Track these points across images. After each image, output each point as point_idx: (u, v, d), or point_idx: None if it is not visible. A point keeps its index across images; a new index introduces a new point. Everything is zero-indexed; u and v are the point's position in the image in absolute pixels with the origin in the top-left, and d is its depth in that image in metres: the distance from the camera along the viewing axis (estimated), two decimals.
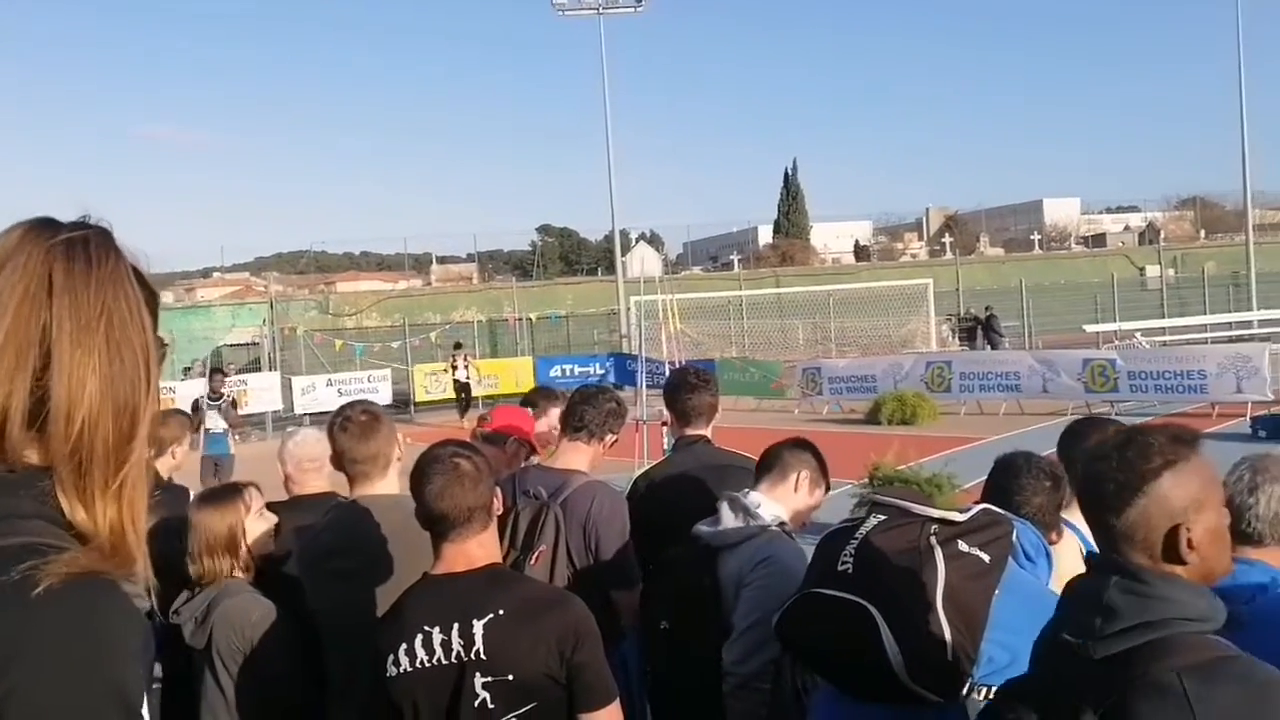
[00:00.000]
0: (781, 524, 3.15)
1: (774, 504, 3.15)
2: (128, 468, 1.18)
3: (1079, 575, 1.80)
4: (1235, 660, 1.61)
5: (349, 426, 3.27)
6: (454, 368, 25.28)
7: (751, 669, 2.93)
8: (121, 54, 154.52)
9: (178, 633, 3.23)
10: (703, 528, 3.20)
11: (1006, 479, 3.19)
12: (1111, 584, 1.67)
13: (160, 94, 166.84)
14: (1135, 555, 1.70)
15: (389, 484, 3.30)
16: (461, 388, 24.92)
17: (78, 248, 1.18)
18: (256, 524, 3.37)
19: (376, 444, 3.26)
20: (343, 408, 3.41)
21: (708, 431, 4.09)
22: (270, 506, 3.49)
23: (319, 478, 3.77)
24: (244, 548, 3.32)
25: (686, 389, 4.07)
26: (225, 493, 3.47)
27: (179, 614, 3.26)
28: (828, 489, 3.40)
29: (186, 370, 29.97)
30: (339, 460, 3.30)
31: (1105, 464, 1.73)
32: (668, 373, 16.48)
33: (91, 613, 1.10)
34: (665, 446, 11.26)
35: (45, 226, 1.19)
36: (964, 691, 2.27)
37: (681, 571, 3.24)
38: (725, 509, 3.16)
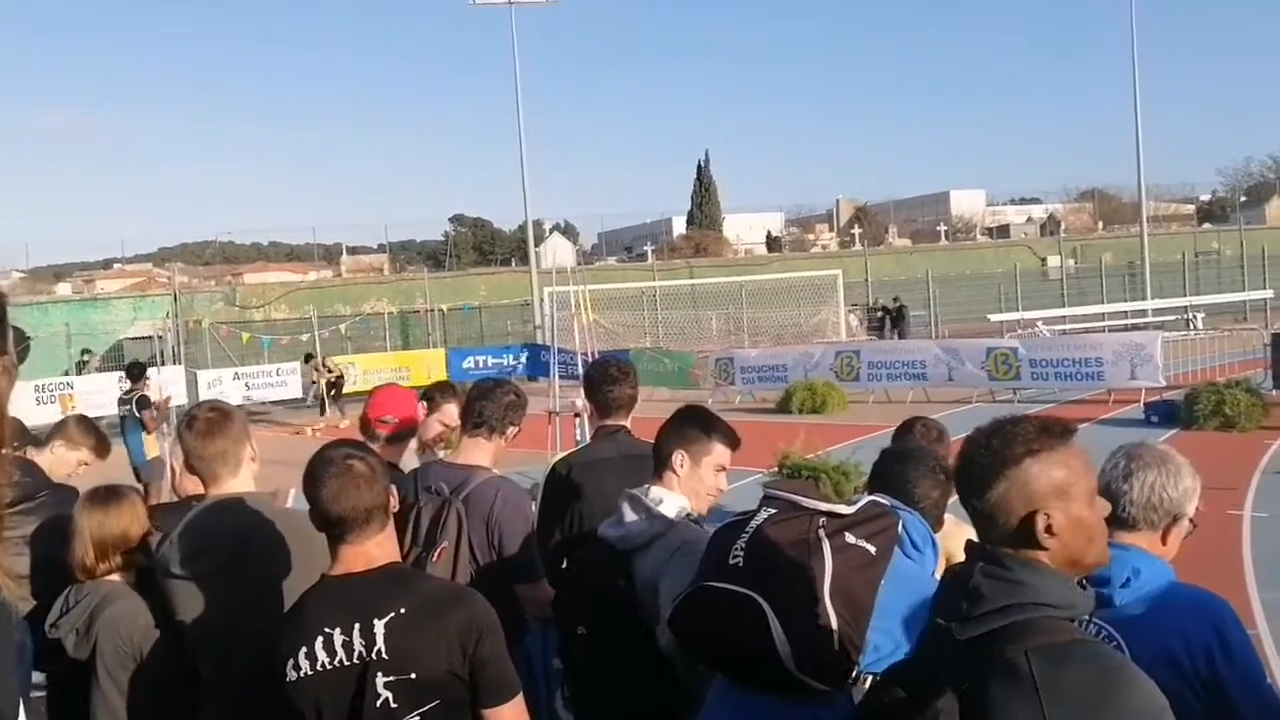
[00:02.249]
0: (688, 516, 3.07)
1: (675, 497, 3.06)
2: None
3: (958, 561, 1.86)
4: (1085, 644, 1.68)
5: (194, 424, 3.18)
6: (327, 372, 24.72)
7: None
8: (15, 37, 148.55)
9: (59, 642, 3.15)
10: (608, 530, 3.13)
11: (903, 469, 3.28)
12: (978, 569, 1.74)
13: (55, 79, 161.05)
14: (996, 538, 1.78)
15: (242, 483, 3.22)
16: (332, 386, 24.49)
17: None
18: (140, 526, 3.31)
19: (222, 442, 3.17)
20: (192, 407, 3.34)
21: (627, 422, 4.11)
22: (159, 508, 3.43)
23: None
24: (131, 550, 3.25)
25: (607, 381, 4.07)
26: (117, 493, 3.39)
27: (58, 627, 3.17)
28: (731, 444, 3.19)
29: (83, 365, 29.05)
30: (188, 460, 3.23)
31: (975, 448, 1.81)
32: (580, 363, 16.50)
33: None
34: (578, 438, 11.26)
35: None
36: (851, 680, 2.32)
37: (593, 575, 3.19)
38: (627, 509, 3.09)
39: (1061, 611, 1.71)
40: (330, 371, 24.74)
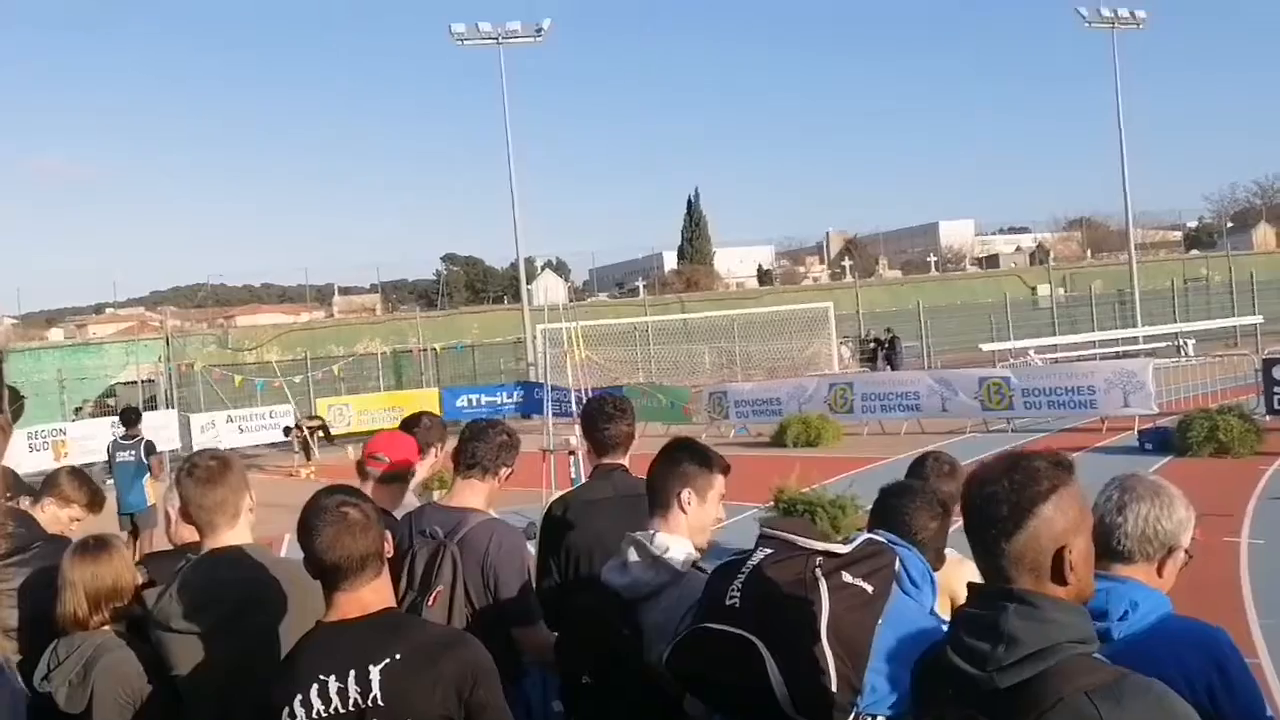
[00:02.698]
0: (694, 562, 3.00)
1: (679, 541, 2.96)
2: None
3: (966, 603, 1.84)
4: (1129, 676, 1.68)
5: (195, 472, 3.15)
6: (309, 425, 24.61)
7: None
8: (6, 80, 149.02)
9: (49, 696, 3.10)
10: (613, 577, 3.04)
11: (899, 502, 3.26)
12: (1010, 611, 1.72)
13: (47, 123, 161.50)
14: (1023, 578, 1.76)
15: (239, 534, 3.17)
16: (317, 430, 24.39)
17: None
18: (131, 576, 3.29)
19: (222, 492, 3.13)
20: (191, 455, 3.30)
21: (625, 460, 4.05)
22: (154, 556, 3.40)
23: None
24: (124, 601, 3.23)
25: (603, 418, 4.02)
26: (105, 544, 3.36)
27: (49, 680, 3.13)
28: (726, 471, 3.13)
29: (77, 411, 28.99)
30: (186, 510, 3.19)
31: (995, 488, 1.79)
32: (574, 400, 16.43)
33: None
34: (573, 475, 11.22)
35: None
36: None
37: (597, 622, 3.10)
38: (632, 555, 3.00)
39: (1089, 647, 1.72)
40: (311, 421, 24.57)
